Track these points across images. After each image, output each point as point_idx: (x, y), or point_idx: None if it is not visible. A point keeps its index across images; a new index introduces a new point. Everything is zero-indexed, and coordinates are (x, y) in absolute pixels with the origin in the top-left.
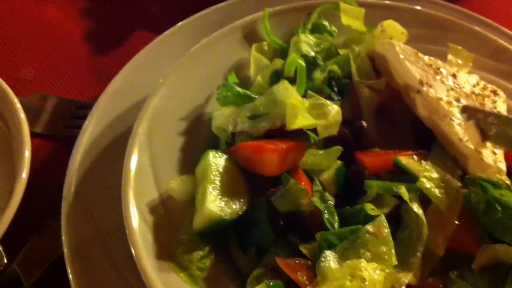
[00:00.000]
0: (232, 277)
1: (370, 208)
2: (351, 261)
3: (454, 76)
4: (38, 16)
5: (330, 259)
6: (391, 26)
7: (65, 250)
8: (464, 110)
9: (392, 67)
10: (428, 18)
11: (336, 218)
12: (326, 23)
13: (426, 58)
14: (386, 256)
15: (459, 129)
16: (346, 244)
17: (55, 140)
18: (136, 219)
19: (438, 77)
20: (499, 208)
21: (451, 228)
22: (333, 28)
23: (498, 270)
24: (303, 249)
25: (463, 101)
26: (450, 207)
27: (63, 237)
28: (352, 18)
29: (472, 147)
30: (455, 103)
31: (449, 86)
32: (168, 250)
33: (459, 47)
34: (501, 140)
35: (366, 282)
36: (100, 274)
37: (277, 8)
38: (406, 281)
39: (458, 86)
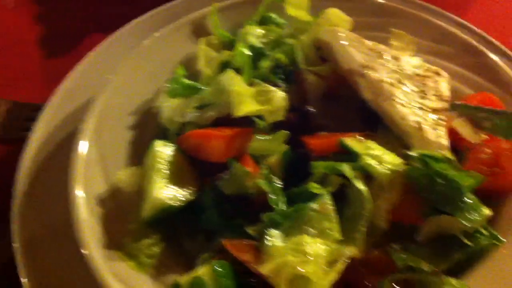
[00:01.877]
0: (182, 262)
1: (314, 187)
2: (295, 238)
3: (396, 59)
4: None
5: (274, 237)
6: (335, 15)
7: (16, 250)
8: (454, 107)
9: (336, 53)
10: (373, 6)
11: (283, 198)
12: (274, 16)
13: (369, 43)
14: (330, 232)
15: (401, 109)
16: (290, 222)
17: (10, 144)
18: (83, 211)
19: (380, 60)
20: (440, 180)
21: (394, 203)
22: (282, 20)
23: (442, 241)
24: (250, 230)
25: (406, 82)
26: (392, 182)
27: (13, 237)
28: (297, 8)
29: (414, 125)
30: (397, 84)
31: (392, 68)
32: (117, 241)
33: (402, 32)
34: (496, 130)
35: (309, 256)
36: (52, 272)
37: (225, 3)
38: (349, 254)
39: (400, 69)
